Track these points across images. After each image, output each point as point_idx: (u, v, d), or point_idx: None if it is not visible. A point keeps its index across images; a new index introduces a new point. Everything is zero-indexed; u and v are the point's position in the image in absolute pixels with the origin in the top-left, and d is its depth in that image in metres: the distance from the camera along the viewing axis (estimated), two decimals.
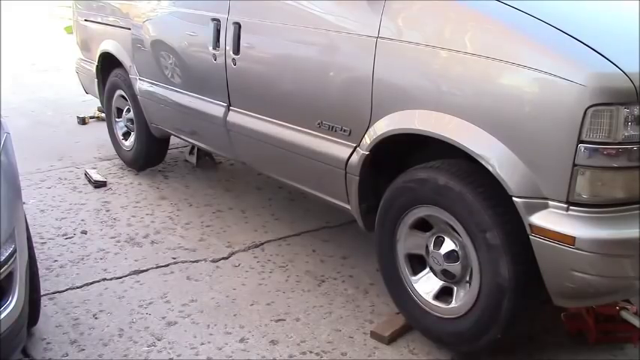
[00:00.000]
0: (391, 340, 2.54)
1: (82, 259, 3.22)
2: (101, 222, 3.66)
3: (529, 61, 1.97)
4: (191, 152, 4.68)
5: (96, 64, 4.62)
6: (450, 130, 2.18)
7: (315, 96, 2.72)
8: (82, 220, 3.69)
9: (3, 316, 1.85)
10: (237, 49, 3.07)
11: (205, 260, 3.21)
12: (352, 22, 2.52)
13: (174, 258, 3.23)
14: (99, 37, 4.55)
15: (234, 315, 2.73)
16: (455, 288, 2.37)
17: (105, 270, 3.11)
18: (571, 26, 2.01)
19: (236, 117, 3.23)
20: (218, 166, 4.71)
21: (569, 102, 1.88)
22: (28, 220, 2.47)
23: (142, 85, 4.04)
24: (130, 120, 4.42)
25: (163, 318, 2.70)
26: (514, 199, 2.04)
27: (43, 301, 2.71)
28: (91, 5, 4.66)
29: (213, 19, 3.21)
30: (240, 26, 3.06)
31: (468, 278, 2.30)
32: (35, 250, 2.62)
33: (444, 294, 2.41)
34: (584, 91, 1.85)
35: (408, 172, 2.42)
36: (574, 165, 1.91)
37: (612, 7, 2.33)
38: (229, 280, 3.01)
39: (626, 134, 1.87)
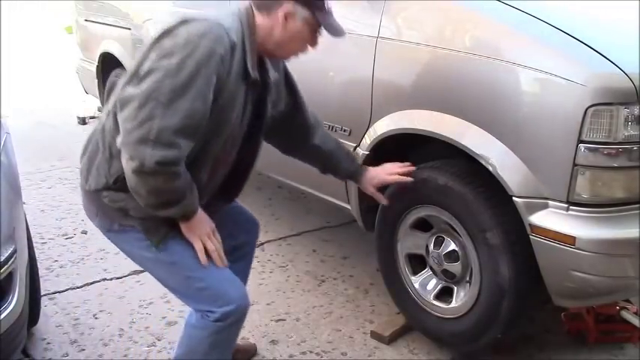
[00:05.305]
0: (391, 340, 2.54)
1: (82, 259, 3.22)
2: None
3: (529, 61, 1.96)
4: None
5: (96, 64, 4.61)
6: (450, 130, 2.18)
7: (315, 96, 2.71)
8: (82, 220, 3.68)
9: (3, 316, 1.85)
10: None
11: None
12: (352, 22, 2.51)
13: None
14: (99, 37, 4.55)
15: None
16: (455, 288, 2.37)
17: (105, 270, 3.11)
18: (571, 26, 2.01)
19: None
20: None
21: (569, 102, 1.88)
22: (29, 220, 2.47)
23: None
24: None
25: (163, 318, 2.70)
26: (514, 199, 2.03)
27: (43, 301, 2.71)
28: (91, 5, 4.66)
29: None
30: None
31: (468, 278, 2.30)
32: (35, 250, 2.62)
33: (444, 294, 2.42)
34: (585, 91, 1.85)
35: None
36: (574, 165, 1.90)
37: (612, 7, 2.33)
38: None
39: (626, 134, 1.86)
